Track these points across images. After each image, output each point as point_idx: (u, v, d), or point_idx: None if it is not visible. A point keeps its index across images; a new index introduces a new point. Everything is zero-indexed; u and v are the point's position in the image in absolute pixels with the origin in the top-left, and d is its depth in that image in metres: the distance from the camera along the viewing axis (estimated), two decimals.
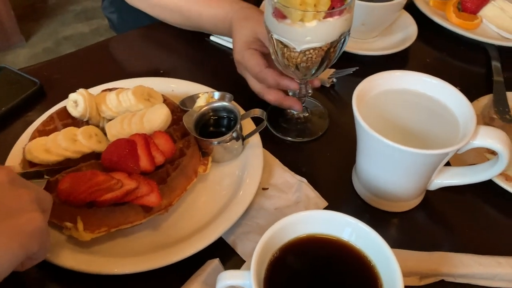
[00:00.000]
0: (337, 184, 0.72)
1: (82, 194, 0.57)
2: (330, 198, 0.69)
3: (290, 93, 0.76)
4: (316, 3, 0.58)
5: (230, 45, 0.95)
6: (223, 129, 0.70)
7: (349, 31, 0.65)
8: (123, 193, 0.58)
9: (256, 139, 0.71)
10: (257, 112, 0.68)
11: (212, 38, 0.97)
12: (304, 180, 0.70)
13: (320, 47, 0.63)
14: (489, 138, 0.57)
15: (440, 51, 1.00)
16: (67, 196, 0.58)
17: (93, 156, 0.66)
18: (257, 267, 0.46)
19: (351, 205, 0.70)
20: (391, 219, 0.68)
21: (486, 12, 1.03)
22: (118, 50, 1.00)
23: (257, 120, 0.72)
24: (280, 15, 0.61)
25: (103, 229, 0.58)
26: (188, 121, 0.68)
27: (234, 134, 0.67)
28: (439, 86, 0.63)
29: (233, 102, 0.73)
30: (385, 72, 0.64)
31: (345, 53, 0.92)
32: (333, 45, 0.63)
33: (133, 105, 0.68)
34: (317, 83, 0.78)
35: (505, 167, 0.59)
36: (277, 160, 0.73)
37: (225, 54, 0.95)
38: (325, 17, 0.59)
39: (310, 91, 0.76)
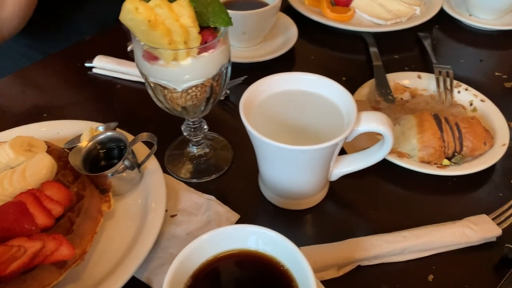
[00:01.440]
0: (246, 195, 0.72)
1: None
2: (241, 210, 0.68)
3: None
4: (186, 40, 0.55)
5: (113, 74, 0.92)
6: (116, 160, 0.67)
7: (229, 61, 0.63)
8: (30, 257, 0.53)
9: (154, 165, 0.69)
10: (145, 136, 0.66)
11: (94, 70, 0.93)
12: (212, 197, 0.69)
13: (202, 83, 0.60)
14: (371, 122, 0.60)
15: (322, 47, 1.04)
16: None
17: None
18: None
19: (264, 212, 0.70)
20: (304, 216, 0.69)
21: (358, 2, 1.09)
22: None
23: (151, 144, 0.69)
24: (151, 57, 0.57)
25: None
26: (75, 159, 0.64)
27: (127, 163, 0.64)
28: (318, 81, 0.65)
29: (119, 130, 0.70)
30: (266, 78, 0.65)
31: (233, 63, 0.93)
32: (215, 78, 0.61)
33: (12, 160, 0.63)
34: None
35: (393, 145, 0.62)
36: (181, 183, 0.71)
37: (108, 84, 0.92)
38: (199, 53, 0.57)
39: (205, 127, 0.72)
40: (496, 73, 0.95)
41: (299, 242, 0.61)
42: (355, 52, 1.02)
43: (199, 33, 0.56)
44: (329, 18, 1.06)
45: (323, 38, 1.06)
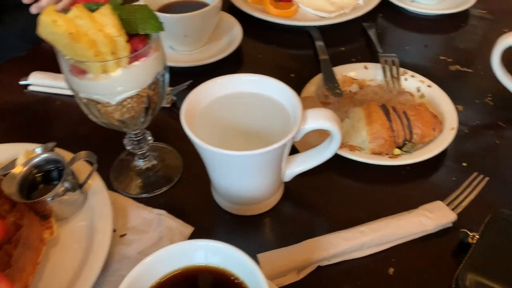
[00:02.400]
0: (199, 205, 0.69)
1: None
2: (195, 221, 0.66)
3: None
4: (113, 50, 0.52)
5: (51, 90, 0.88)
6: (56, 183, 0.63)
7: (165, 67, 0.60)
8: None
9: (98, 183, 0.65)
10: (83, 155, 0.62)
11: (30, 88, 0.88)
12: (163, 212, 0.66)
13: (138, 94, 0.56)
14: (317, 119, 0.58)
15: (268, 44, 1.02)
16: None
17: None
18: None
19: (219, 222, 0.67)
20: (261, 221, 0.67)
21: None
22: None
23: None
24: (78, 71, 0.54)
25: None
26: (10, 187, 0.59)
27: (67, 185, 0.60)
28: (261, 82, 0.63)
29: (58, 150, 0.66)
30: (207, 82, 0.63)
31: (178, 68, 0.91)
32: (151, 87, 0.57)
33: None
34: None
35: (341, 139, 0.61)
36: (129, 200, 0.68)
37: (46, 101, 0.87)
38: (130, 62, 0.53)
39: (150, 138, 0.69)
40: (441, 57, 0.96)
41: (258, 248, 0.60)
42: (302, 48, 1.00)
43: (128, 41, 0.52)
44: (273, 15, 1.04)
45: (269, 35, 1.04)
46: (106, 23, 0.49)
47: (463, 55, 0.98)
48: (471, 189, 0.68)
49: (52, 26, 0.47)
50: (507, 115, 0.82)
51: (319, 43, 0.97)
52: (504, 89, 0.83)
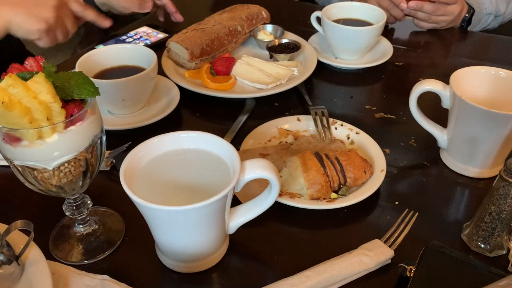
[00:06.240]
0: (144, 266, 0.68)
1: None
2: (141, 284, 0.64)
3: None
4: (48, 116, 0.52)
5: None
6: None
7: (102, 130, 0.61)
8: None
9: (35, 254, 0.62)
10: (20, 224, 0.60)
11: None
12: (106, 277, 0.64)
13: (75, 158, 0.57)
14: (255, 169, 0.61)
15: (206, 105, 1.04)
16: None
17: None
18: None
19: (165, 281, 0.67)
20: (208, 276, 0.67)
21: (237, 70, 1.09)
22: None
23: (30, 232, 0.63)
24: (12, 139, 0.54)
25: None
26: None
27: (2, 257, 0.58)
28: (199, 138, 0.65)
29: None
30: (145, 142, 0.64)
31: (116, 131, 0.91)
32: (88, 150, 0.58)
33: None
34: None
35: (280, 187, 0.64)
36: (70, 268, 0.65)
37: None
38: (66, 127, 0.54)
39: (89, 202, 0.68)
40: (367, 106, 1.04)
41: None
42: (240, 109, 1.02)
43: (63, 107, 0.53)
44: (211, 88, 1.04)
45: (207, 99, 1.06)
46: (40, 90, 0.50)
47: (386, 103, 1.06)
48: (404, 225, 0.72)
49: None
50: (430, 155, 0.89)
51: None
52: (424, 131, 0.90)
